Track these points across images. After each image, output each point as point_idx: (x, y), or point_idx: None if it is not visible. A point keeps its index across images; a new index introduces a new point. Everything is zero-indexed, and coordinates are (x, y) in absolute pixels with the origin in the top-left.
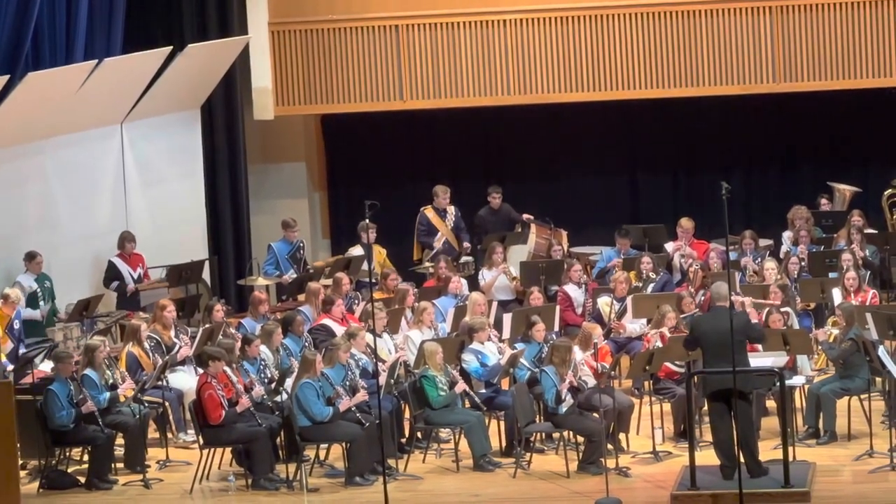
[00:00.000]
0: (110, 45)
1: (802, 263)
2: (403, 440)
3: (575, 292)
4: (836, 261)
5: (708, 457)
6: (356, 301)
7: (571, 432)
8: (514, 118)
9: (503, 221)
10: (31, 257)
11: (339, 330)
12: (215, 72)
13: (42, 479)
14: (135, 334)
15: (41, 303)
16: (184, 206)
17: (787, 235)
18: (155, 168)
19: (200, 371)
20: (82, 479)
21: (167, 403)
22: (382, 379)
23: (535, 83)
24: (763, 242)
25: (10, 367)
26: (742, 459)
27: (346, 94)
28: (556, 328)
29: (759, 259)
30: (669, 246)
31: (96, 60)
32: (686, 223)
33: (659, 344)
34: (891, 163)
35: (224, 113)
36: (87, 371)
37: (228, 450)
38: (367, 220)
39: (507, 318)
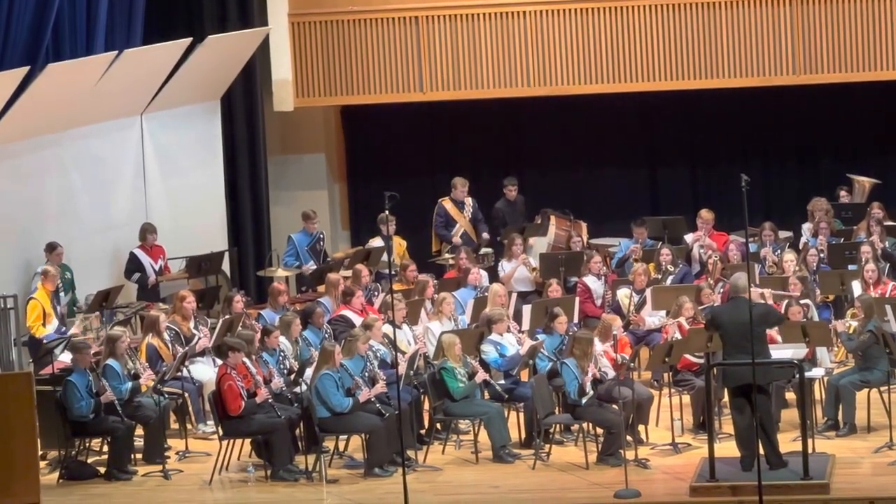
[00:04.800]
0: (130, 37)
1: (822, 255)
2: (423, 431)
3: (594, 284)
4: (855, 253)
5: (727, 448)
6: (376, 292)
7: (591, 424)
8: (533, 110)
9: (520, 213)
10: (51, 248)
11: (358, 321)
12: (235, 63)
13: (62, 470)
14: (154, 325)
15: (61, 294)
16: (203, 198)
17: (806, 227)
18: (175, 159)
19: (219, 362)
20: (102, 470)
21: (187, 394)
22: (402, 370)
23: (555, 75)
24: (783, 234)
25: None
26: (762, 451)
27: (365, 86)
28: (576, 320)
29: (779, 251)
30: (689, 237)
31: (116, 52)
32: (706, 215)
33: (678, 335)
34: None
35: (244, 104)
36: (109, 361)
37: (248, 441)
38: (387, 212)
39: (527, 310)
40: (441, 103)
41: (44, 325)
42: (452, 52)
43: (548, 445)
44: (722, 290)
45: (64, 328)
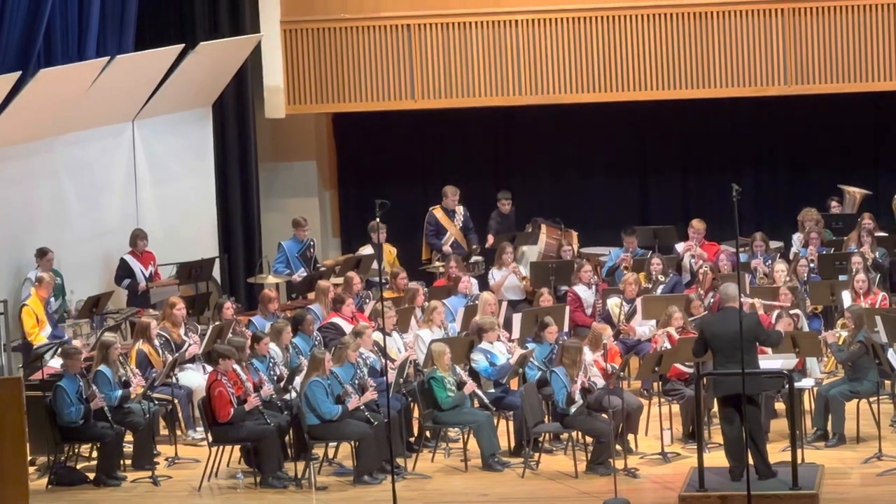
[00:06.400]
0: (122, 43)
1: (812, 265)
2: (412, 439)
3: (585, 293)
4: (845, 263)
5: (716, 458)
6: (366, 300)
7: (580, 433)
8: (525, 118)
9: (513, 226)
10: (42, 254)
11: (348, 329)
12: (227, 70)
13: (51, 476)
14: (145, 332)
15: (51, 299)
16: (194, 204)
17: (797, 237)
18: (166, 166)
19: (209, 369)
20: (91, 476)
21: (176, 401)
22: (391, 377)
23: (547, 84)
24: (773, 244)
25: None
26: (751, 461)
27: (357, 93)
28: (566, 329)
29: (769, 261)
30: (680, 246)
31: (108, 57)
32: (697, 224)
33: (667, 344)
34: None
35: (235, 111)
36: (102, 367)
37: (237, 448)
38: (378, 220)
39: (517, 318)
40: (432, 111)
41: (38, 331)
42: (444, 60)
43: (537, 454)
44: (712, 301)
45: (57, 332)
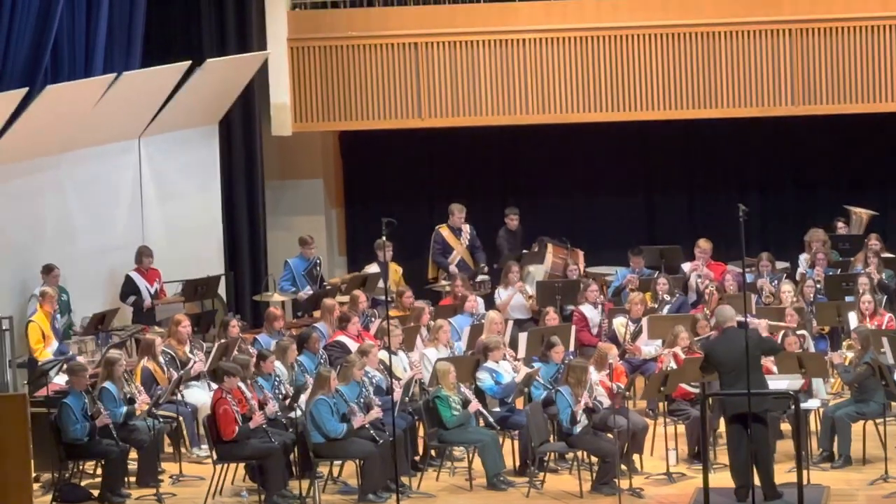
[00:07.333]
0: (129, 59)
1: (818, 286)
2: (417, 458)
3: (591, 312)
4: (852, 284)
5: (721, 479)
6: (372, 318)
7: (585, 452)
8: (532, 137)
9: (521, 242)
10: (48, 270)
11: (354, 347)
12: (234, 87)
13: (55, 493)
14: (150, 349)
15: (57, 315)
16: (200, 222)
17: (803, 258)
18: (172, 183)
19: (214, 386)
20: (95, 493)
21: (181, 418)
22: (397, 396)
23: (554, 103)
24: (779, 265)
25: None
26: (757, 482)
27: (364, 112)
28: (572, 348)
29: (776, 281)
30: (686, 266)
31: (115, 74)
32: (704, 244)
33: (673, 364)
34: None
35: (242, 128)
36: (106, 384)
37: (242, 465)
38: (384, 238)
39: (523, 338)
40: (439, 130)
41: (44, 346)
42: (451, 78)
43: (542, 473)
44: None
45: (62, 348)
